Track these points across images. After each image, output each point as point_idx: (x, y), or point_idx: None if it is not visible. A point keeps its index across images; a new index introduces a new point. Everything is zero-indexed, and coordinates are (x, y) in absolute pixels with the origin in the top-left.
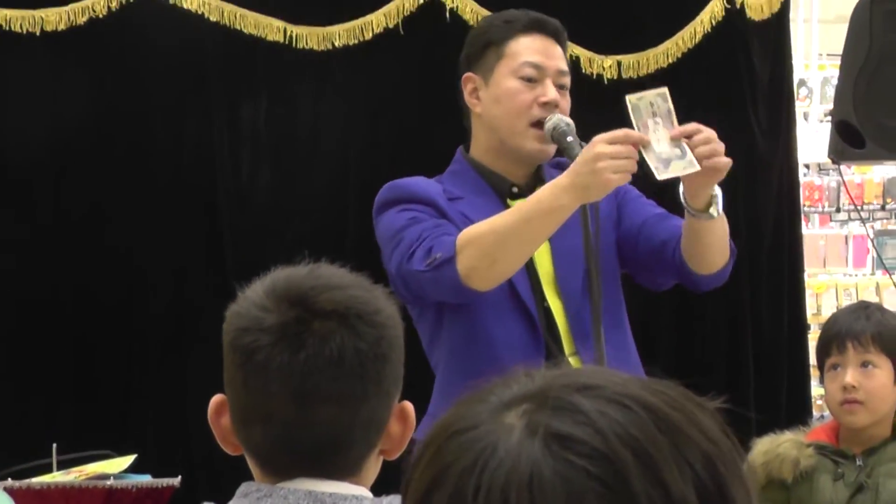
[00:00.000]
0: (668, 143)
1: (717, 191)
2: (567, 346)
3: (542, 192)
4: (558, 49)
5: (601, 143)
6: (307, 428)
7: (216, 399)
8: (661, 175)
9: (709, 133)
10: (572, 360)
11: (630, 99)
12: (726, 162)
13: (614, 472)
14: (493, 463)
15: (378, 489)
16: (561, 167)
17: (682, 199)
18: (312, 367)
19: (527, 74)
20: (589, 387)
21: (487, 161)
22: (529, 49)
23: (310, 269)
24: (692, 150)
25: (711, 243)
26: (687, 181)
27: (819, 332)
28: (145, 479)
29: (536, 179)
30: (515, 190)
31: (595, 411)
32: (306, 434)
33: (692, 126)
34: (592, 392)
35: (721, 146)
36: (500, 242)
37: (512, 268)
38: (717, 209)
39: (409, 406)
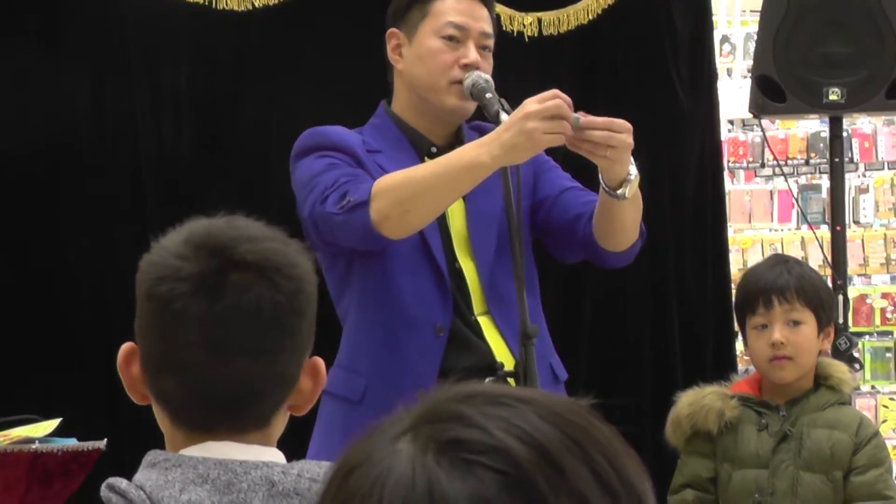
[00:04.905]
0: None
1: (633, 173)
2: (477, 306)
3: (465, 148)
4: (484, 11)
5: (532, 102)
6: (220, 379)
7: (126, 347)
8: None
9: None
10: (482, 320)
11: None
12: (618, 140)
13: (509, 461)
14: (390, 483)
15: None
16: (479, 129)
17: (600, 177)
18: (229, 318)
19: (449, 34)
20: (467, 395)
21: (408, 118)
22: (454, 10)
23: (227, 220)
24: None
25: (622, 222)
26: (598, 161)
27: None
28: (71, 443)
29: (456, 140)
30: (434, 150)
31: (477, 413)
32: (219, 385)
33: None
34: (471, 399)
35: (620, 133)
36: (416, 193)
37: (424, 219)
38: (627, 191)
39: (320, 362)
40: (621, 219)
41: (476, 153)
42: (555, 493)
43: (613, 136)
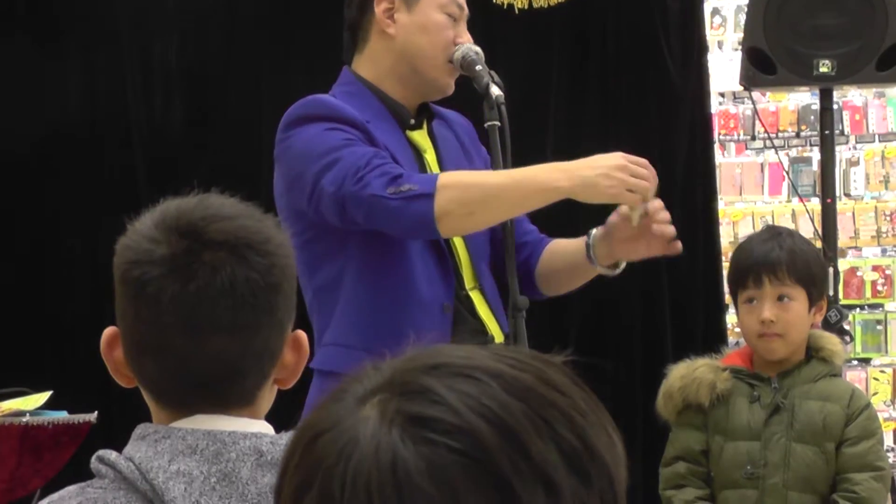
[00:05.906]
0: None
1: None
2: (468, 280)
3: (542, 168)
4: None
5: (625, 157)
6: (200, 359)
7: (108, 332)
8: None
9: (667, 215)
10: (473, 295)
11: None
12: (677, 249)
13: (473, 443)
14: (356, 457)
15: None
16: (436, 113)
17: (589, 243)
18: (204, 298)
19: (451, 12)
20: (435, 366)
21: (386, 85)
22: None
23: (199, 199)
24: (652, 222)
25: (578, 282)
26: (624, 243)
27: None
28: (62, 416)
29: (424, 112)
30: (412, 122)
31: (445, 388)
32: (199, 365)
33: (659, 202)
34: (439, 371)
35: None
36: (485, 198)
37: (483, 224)
38: (620, 268)
39: (302, 335)
40: (586, 280)
41: (556, 178)
42: (519, 477)
43: (670, 236)
